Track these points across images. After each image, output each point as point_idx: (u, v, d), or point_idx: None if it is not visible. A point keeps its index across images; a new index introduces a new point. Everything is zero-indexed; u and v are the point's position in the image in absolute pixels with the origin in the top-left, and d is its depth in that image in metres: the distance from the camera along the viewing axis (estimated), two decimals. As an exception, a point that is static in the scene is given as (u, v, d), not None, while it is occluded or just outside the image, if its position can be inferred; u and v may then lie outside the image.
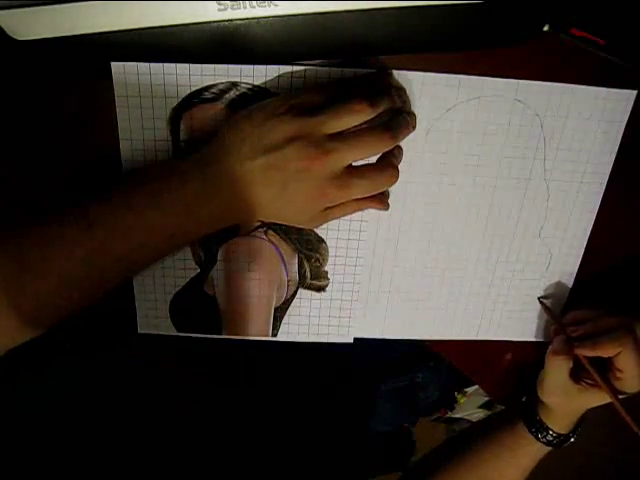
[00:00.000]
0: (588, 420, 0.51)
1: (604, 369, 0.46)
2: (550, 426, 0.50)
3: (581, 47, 0.40)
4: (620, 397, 0.46)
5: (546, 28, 0.40)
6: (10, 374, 0.43)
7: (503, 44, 0.41)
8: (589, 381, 0.47)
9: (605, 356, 0.45)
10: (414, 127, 0.42)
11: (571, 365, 0.47)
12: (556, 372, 0.47)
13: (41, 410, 0.47)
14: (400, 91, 0.41)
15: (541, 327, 0.53)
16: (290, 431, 0.54)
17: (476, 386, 0.91)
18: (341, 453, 0.58)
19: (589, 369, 0.46)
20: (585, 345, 0.46)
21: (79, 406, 0.47)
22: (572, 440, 0.51)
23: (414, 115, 0.42)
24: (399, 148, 0.43)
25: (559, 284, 0.51)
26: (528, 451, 0.52)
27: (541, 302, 0.51)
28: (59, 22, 0.36)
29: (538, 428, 0.51)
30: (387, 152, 0.41)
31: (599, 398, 0.47)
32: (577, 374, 0.47)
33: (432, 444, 0.61)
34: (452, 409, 1.13)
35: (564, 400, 0.48)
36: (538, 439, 0.51)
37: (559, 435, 0.50)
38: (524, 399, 0.53)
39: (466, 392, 1.06)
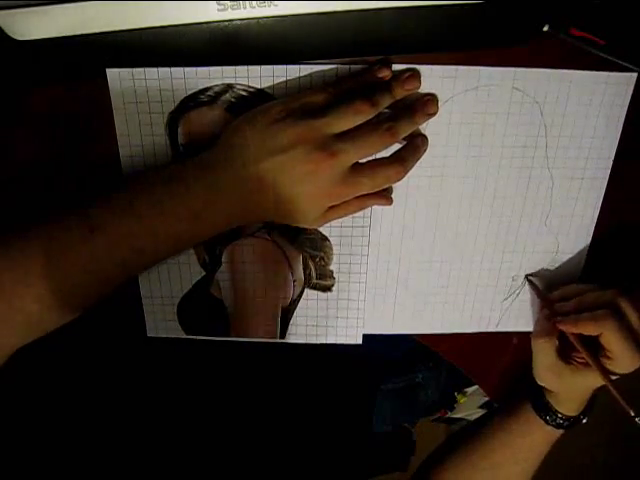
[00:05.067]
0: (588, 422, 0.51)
1: (596, 348, 0.44)
2: (558, 409, 0.49)
3: (581, 47, 0.40)
4: (613, 378, 0.44)
5: (546, 28, 0.40)
6: (19, 377, 0.43)
7: (503, 44, 0.41)
8: (580, 360, 0.46)
9: (588, 334, 0.44)
10: (420, 121, 0.42)
11: (557, 345, 0.46)
12: (543, 354, 0.47)
13: (49, 413, 0.47)
14: (407, 80, 0.40)
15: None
16: (291, 431, 0.54)
17: (476, 386, 0.91)
18: (341, 453, 0.58)
19: (578, 347, 0.44)
20: (567, 321, 0.44)
21: (89, 409, 0.47)
22: (584, 421, 0.50)
23: (419, 108, 0.41)
24: (413, 144, 0.42)
25: (568, 270, 0.50)
26: (539, 436, 0.50)
27: (529, 280, 0.50)
28: (59, 22, 0.36)
29: (546, 412, 0.49)
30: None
31: (595, 378, 0.45)
32: (567, 353, 0.46)
33: (432, 444, 0.61)
34: (452, 409, 1.13)
35: (559, 382, 0.47)
36: (547, 422, 0.49)
37: (568, 417, 0.49)
38: (530, 384, 0.51)
39: (466, 392, 1.05)
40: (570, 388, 0.47)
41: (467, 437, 0.57)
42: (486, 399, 1.15)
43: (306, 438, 0.54)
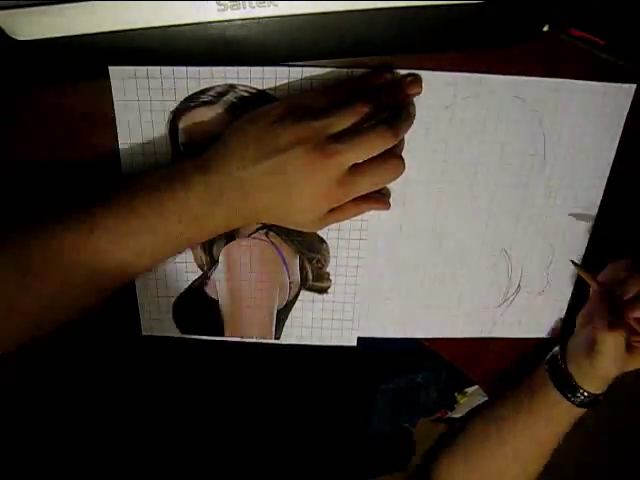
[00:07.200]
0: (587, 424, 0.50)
1: None
2: (585, 387, 0.48)
3: (581, 47, 0.40)
4: None
5: (546, 28, 0.40)
6: (14, 376, 0.43)
7: (503, 44, 0.41)
8: (637, 343, 0.44)
9: None
10: (414, 116, 0.42)
11: (626, 335, 0.44)
12: (613, 348, 0.44)
13: (45, 412, 0.47)
14: (410, 84, 0.41)
15: (545, 324, 0.52)
16: (290, 431, 0.54)
17: (476, 386, 0.91)
18: (341, 453, 0.58)
19: None
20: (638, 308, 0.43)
21: (83, 408, 0.47)
22: (601, 399, 0.49)
23: (413, 105, 0.42)
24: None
25: (563, 280, 0.51)
26: (562, 415, 0.50)
27: (575, 264, 0.48)
28: (59, 22, 0.36)
29: (571, 390, 0.48)
30: None
31: None
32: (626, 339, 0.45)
33: (432, 444, 0.61)
34: (452, 409, 1.13)
35: (618, 369, 0.46)
36: (572, 402, 0.48)
37: (590, 395, 0.48)
38: (549, 358, 0.51)
39: (466, 392, 1.05)
40: (619, 370, 0.46)
41: (476, 425, 0.56)
42: (486, 399, 1.15)
43: (305, 439, 0.54)
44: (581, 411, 0.49)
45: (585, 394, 0.48)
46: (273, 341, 0.50)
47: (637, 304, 0.44)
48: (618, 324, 0.44)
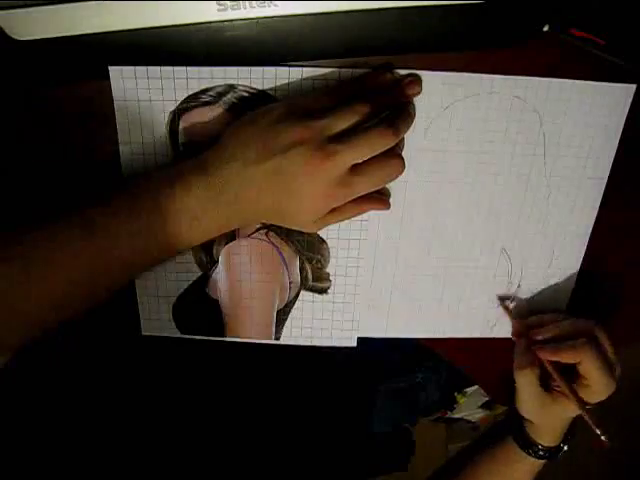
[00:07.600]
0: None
1: (572, 376, 0.46)
2: (538, 441, 0.50)
3: (581, 47, 0.40)
4: (588, 407, 0.45)
5: (546, 28, 0.40)
6: (14, 376, 0.43)
7: (503, 44, 0.41)
8: (559, 389, 0.47)
9: (567, 362, 0.45)
10: (414, 116, 0.42)
11: (538, 373, 0.47)
12: (527, 384, 0.47)
13: (45, 412, 0.47)
14: (410, 84, 0.41)
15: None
16: (290, 432, 0.54)
17: (476, 386, 0.91)
18: (341, 453, 0.58)
19: (554, 375, 0.46)
20: (546, 349, 0.46)
21: (83, 408, 0.47)
22: (565, 449, 0.51)
23: (413, 104, 0.42)
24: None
25: (562, 280, 0.51)
26: (523, 465, 0.52)
27: (504, 306, 0.51)
28: (59, 22, 0.36)
29: (527, 444, 0.50)
30: None
31: (573, 408, 0.47)
32: (547, 383, 0.48)
33: (432, 444, 0.61)
34: (452, 409, 1.13)
35: (541, 412, 0.48)
36: (529, 454, 0.51)
37: (549, 448, 0.50)
38: (510, 414, 0.53)
39: (466, 392, 1.05)
40: (550, 418, 0.49)
41: (455, 467, 0.57)
42: (486, 399, 1.15)
43: (305, 439, 0.54)
44: (540, 462, 0.51)
45: (540, 447, 0.50)
46: (273, 342, 0.50)
47: (545, 347, 0.46)
48: (531, 363, 0.47)
